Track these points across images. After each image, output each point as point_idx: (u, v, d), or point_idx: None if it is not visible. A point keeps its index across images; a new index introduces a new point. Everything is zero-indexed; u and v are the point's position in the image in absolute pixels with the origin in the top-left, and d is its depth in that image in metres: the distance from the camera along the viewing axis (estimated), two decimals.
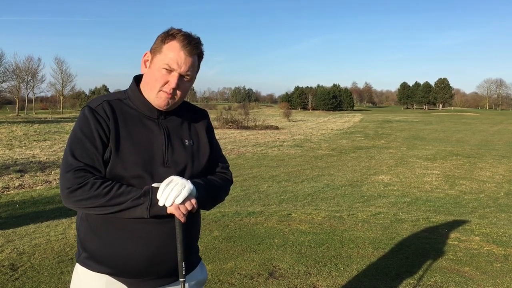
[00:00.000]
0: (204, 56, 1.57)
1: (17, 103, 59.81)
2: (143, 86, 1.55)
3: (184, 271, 1.49)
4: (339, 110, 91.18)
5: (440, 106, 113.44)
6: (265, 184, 10.47)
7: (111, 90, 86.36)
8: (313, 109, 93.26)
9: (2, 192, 9.76)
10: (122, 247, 1.47)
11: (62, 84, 67.72)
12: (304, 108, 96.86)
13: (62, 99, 70.01)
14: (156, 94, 1.50)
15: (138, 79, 1.59)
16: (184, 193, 1.42)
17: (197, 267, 1.68)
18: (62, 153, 1.54)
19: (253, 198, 8.57)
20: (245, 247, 4.42)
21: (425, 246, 4.58)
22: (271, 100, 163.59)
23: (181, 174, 1.51)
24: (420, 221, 5.76)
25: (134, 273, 1.50)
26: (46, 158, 15.10)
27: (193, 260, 1.64)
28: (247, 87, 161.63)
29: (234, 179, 1.82)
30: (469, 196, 9.02)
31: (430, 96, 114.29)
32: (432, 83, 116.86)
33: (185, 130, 1.61)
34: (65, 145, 1.49)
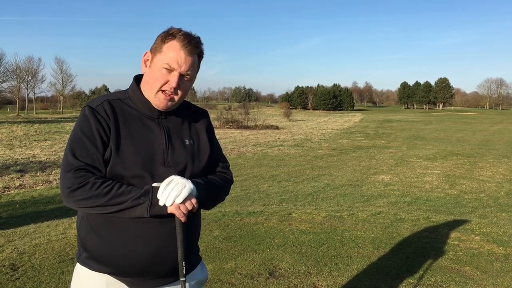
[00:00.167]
0: (204, 56, 1.57)
1: (17, 103, 59.84)
2: (143, 85, 1.55)
3: (184, 271, 1.49)
4: (339, 110, 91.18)
5: (441, 105, 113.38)
6: (266, 183, 10.47)
7: (112, 90, 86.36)
8: (314, 109, 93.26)
9: (3, 192, 9.76)
10: (122, 247, 1.47)
11: (63, 84, 67.77)
12: (305, 108, 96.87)
13: (63, 99, 70.00)
14: (156, 93, 1.50)
15: (138, 79, 1.60)
16: (185, 193, 1.42)
17: (198, 266, 1.68)
18: (63, 153, 1.54)
19: (253, 198, 8.57)
20: (245, 247, 4.42)
21: (426, 245, 4.58)
22: (271, 100, 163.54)
23: (182, 173, 1.51)
24: (420, 220, 5.76)
25: (134, 272, 1.50)
26: (47, 158, 15.11)
27: (193, 259, 1.64)
28: (247, 87, 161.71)
29: (234, 179, 1.82)
30: (470, 195, 9.02)
31: (430, 95, 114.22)
32: (433, 83, 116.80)
33: (186, 130, 1.61)
34: (66, 145, 1.50)
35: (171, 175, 1.46)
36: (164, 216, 1.44)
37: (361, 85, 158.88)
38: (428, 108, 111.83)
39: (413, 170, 12.70)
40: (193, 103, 1.80)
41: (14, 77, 58.26)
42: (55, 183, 10.74)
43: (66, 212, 7.16)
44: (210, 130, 1.71)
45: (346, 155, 16.76)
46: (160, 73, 1.48)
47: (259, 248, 4.38)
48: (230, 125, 33.13)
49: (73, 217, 6.23)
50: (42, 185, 10.64)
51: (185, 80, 1.51)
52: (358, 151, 18.32)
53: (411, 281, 3.63)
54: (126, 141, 1.47)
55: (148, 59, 1.54)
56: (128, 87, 1.61)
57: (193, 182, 1.47)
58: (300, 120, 48.93)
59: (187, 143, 1.58)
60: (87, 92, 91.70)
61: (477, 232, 5.13)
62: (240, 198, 8.52)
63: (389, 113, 71.68)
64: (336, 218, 5.76)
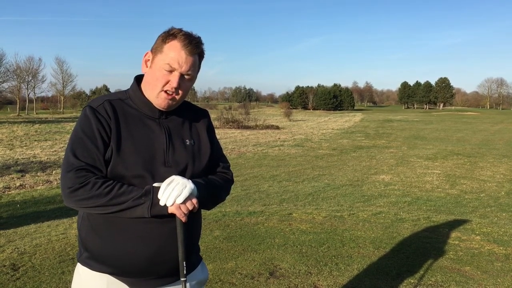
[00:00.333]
0: (204, 56, 1.57)
1: (18, 103, 59.88)
2: (144, 86, 1.55)
3: (185, 271, 1.49)
4: (339, 110, 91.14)
5: (441, 105, 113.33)
6: (266, 183, 10.47)
7: (112, 90, 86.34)
8: (314, 109, 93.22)
9: (3, 192, 9.77)
10: (123, 247, 1.47)
11: (63, 84, 67.84)
12: (305, 107, 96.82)
13: (63, 99, 70.06)
14: (157, 93, 1.50)
15: (139, 79, 1.60)
16: (185, 193, 1.42)
17: (198, 266, 1.68)
18: (63, 153, 1.54)
19: (253, 198, 8.57)
20: (246, 247, 4.42)
21: (426, 245, 4.58)
22: (271, 100, 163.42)
23: (182, 173, 1.51)
24: (421, 220, 5.76)
25: (135, 272, 1.50)
26: (47, 158, 15.10)
27: (194, 259, 1.64)
28: (247, 87, 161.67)
29: (234, 179, 1.82)
30: (470, 195, 9.01)
31: (430, 95, 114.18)
32: (433, 83, 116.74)
33: (186, 130, 1.61)
34: (66, 145, 1.49)
35: (171, 175, 1.47)
36: (165, 216, 1.44)
37: (361, 85, 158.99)
38: (429, 108, 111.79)
39: (413, 170, 12.70)
40: (193, 103, 1.80)
41: (15, 77, 58.37)
42: (55, 183, 10.75)
43: (67, 212, 7.16)
44: (210, 130, 1.71)
45: (346, 155, 16.76)
46: (161, 73, 1.48)
47: (260, 248, 4.38)
48: (230, 125, 33.12)
49: (73, 217, 6.23)
50: (42, 185, 10.65)
51: (186, 80, 1.51)
52: (359, 151, 18.31)
53: (412, 281, 3.63)
54: (127, 141, 1.48)
55: (149, 59, 1.54)
56: (128, 87, 1.62)
57: (193, 182, 1.47)
58: (300, 120, 48.92)
59: (187, 143, 1.59)
60: (88, 92, 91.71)
61: (477, 232, 5.13)
62: (240, 198, 8.52)
63: (390, 113, 71.65)
64: (337, 218, 5.76)
